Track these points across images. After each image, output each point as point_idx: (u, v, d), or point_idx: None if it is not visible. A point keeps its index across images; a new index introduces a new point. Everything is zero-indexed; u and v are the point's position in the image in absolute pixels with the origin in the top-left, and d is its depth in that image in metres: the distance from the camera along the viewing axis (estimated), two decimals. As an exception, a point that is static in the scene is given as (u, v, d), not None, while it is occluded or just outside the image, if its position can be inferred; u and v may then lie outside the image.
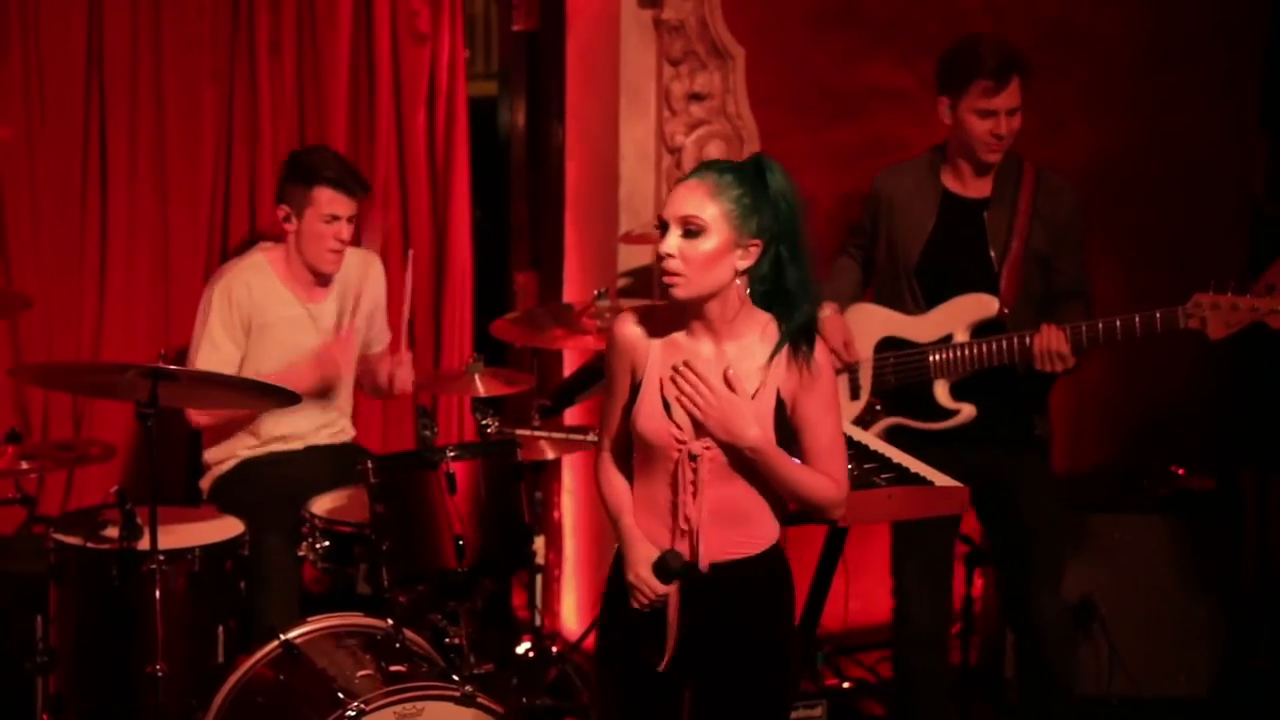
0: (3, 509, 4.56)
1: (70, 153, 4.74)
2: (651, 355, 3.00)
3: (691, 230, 2.89)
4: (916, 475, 3.32)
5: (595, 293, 4.62)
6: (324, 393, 4.51)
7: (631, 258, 5.06)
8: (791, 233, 2.92)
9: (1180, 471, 5.20)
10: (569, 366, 5.23)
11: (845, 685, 5.05)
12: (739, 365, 2.96)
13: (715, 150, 4.99)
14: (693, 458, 2.94)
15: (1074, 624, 4.68)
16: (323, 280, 4.50)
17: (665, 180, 5.00)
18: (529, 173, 5.60)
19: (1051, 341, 3.91)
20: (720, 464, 2.96)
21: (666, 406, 2.97)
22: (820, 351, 2.98)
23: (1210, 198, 5.63)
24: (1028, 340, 3.96)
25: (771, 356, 2.96)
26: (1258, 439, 5.48)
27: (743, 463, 2.96)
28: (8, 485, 4.43)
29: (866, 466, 3.33)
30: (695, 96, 4.98)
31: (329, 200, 4.37)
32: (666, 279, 2.92)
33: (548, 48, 5.39)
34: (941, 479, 3.32)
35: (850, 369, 4.21)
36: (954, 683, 4.54)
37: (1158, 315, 3.86)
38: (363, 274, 4.60)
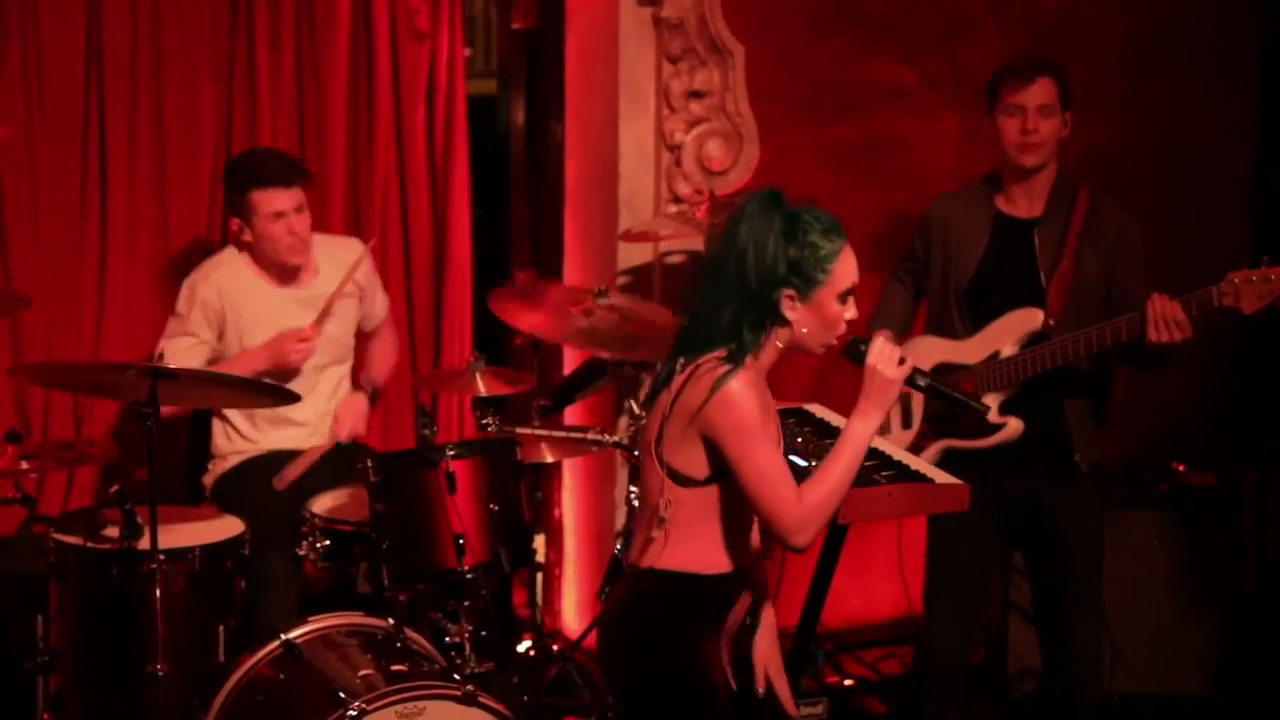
0: (3, 509, 4.56)
1: (70, 151, 4.74)
2: (770, 412, 3.07)
3: None
4: (916, 473, 3.31)
5: (595, 290, 4.62)
6: (281, 381, 4.46)
7: (631, 255, 5.06)
8: None
9: (1181, 468, 5.20)
10: (569, 365, 5.23)
11: (847, 683, 5.06)
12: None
13: (715, 147, 4.99)
14: None
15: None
16: (305, 270, 4.49)
17: (664, 178, 5.00)
18: (528, 171, 5.60)
19: (1165, 308, 3.82)
20: None
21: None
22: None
23: (1211, 194, 5.62)
24: (1134, 317, 3.85)
25: None
26: (1258, 435, 5.48)
27: None
28: (8, 485, 4.44)
29: (866, 464, 3.32)
30: (695, 94, 4.98)
31: (267, 200, 4.34)
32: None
33: (547, 45, 5.39)
34: (942, 476, 3.30)
35: (902, 399, 4.20)
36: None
37: (1191, 298, 3.83)
38: (346, 259, 4.58)
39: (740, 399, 2.96)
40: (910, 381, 3.09)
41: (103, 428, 4.76)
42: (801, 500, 2.97)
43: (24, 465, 4.20)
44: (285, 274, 4.46)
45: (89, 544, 3.93)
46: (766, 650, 3.23)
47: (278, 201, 4.34)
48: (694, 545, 3.07)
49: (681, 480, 3.05)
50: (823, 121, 5.18)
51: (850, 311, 3.04)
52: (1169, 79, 5.53)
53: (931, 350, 4.18)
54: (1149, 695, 4.93)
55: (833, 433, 3.52)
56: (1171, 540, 4.97)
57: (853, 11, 5.18)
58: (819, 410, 3.70)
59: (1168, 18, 5.51)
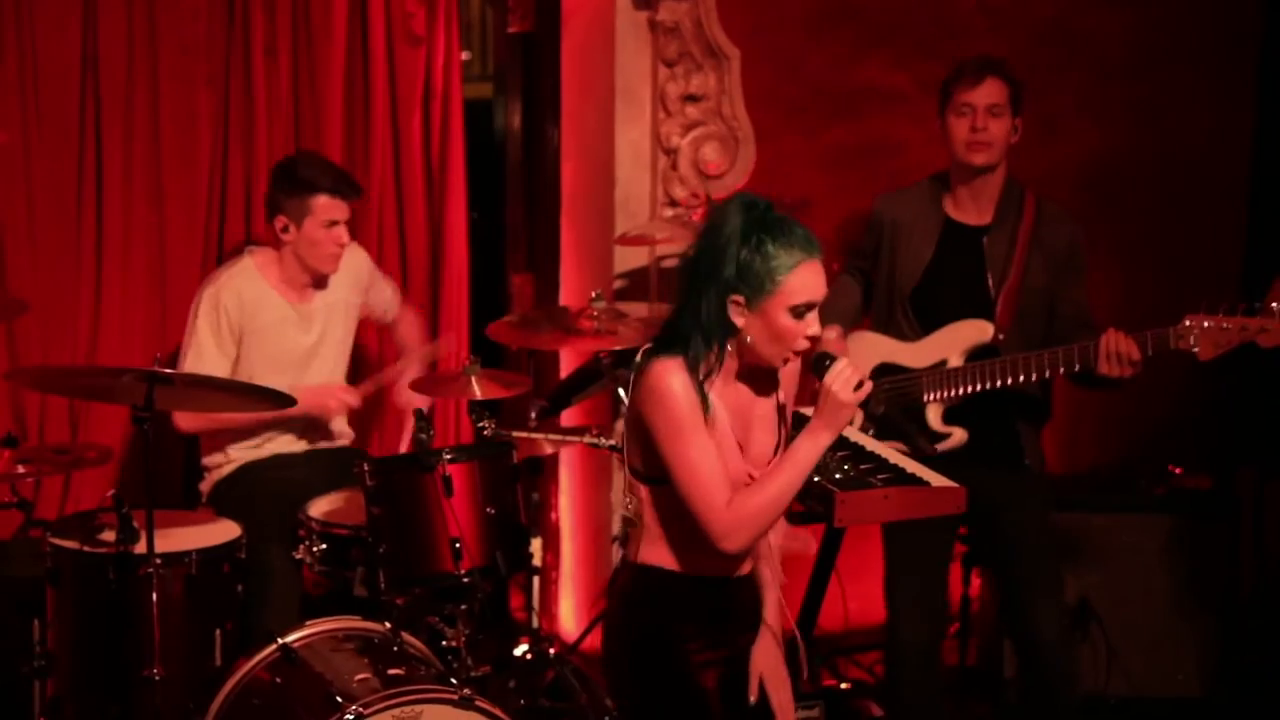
0: (0, 513, 4.56)
1: (66, 157, 4.74)
2: (712, 401, 2.99)
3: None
4: (913, 476, 3.31)
5: (591, 295, 4.62)
6: (311, 421, 4.54)
7: (627, 259, 5.06)
8: None
9: (1177, 471, 5.20)
10: (565, 368, 5.23)
11: (843, 686, 5.06)
12: (760, 391, 3.10)
13: (711, 151, 4.99)
14: None
15: (1071, 624, 4.69)
16: (318, 282, 4.51)
17: (660, 181, 5.01)
18: (525, 175, 5.60)
19: (1120, 344, 3.85)
20: None
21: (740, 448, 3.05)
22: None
23: (1206, 198, 5.63)
24: (1085, 349, 3.89)
25: None
26: (1254, 438, 5.49)
27: None
28: (4, 489, 4.42)
29: (863, 467, 3.33)
30: (690, 98, 4.98)
31: (328, 207, 4.39)
32: (803, 354, 3.01)
33: (543, 49, 5.39)
34: (938, 479, 3.31)
35: None
36: (948, 685, 4.54)
37: (1149, 336, 3.86)
38: (352, 265, 4.62)
39: (667, 393, 2.93)
40: (865, 406, 3.01)
41: (99, 432, 4.75)
42: (731, 506, 2.94)
43: (20, 469, 4.19)
44: (304, 285, 4.49)
45: (85, 548, 3.93)
46: (764, 658, 3.20)
47: (337, 210, 4.42)
48: (665, 542, 3.06)
49: (639, 476, 3.05)
50: (818, 125, 5.19)
51: (812, 329, 2.96)
52: (1164, 83, 5.54)
53: (876, 348, 4.19)
54: (1145, 698, 4.94)
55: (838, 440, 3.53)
56: (1167, 543, 4.97)
57: (848, 15, 5.19)
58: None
59: (1164, 21, 5.52)
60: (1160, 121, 5.55)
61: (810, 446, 2.98)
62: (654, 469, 3.01)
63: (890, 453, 3.47)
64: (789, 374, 3.14)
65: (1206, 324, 3.80)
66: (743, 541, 2.99)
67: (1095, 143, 5.43)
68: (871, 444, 3.52)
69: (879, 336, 4.21)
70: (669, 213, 5.00)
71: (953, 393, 4.06)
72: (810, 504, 3.24)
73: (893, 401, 4.13)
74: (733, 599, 3.14)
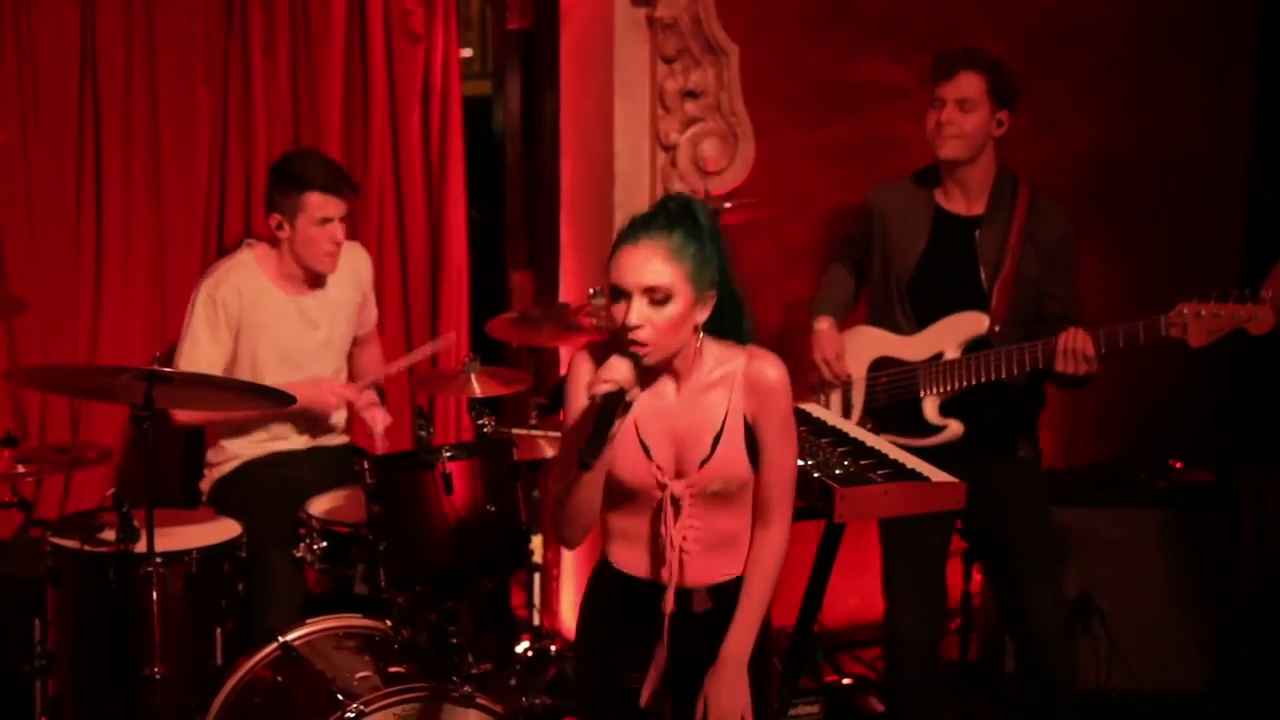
0: (0, 513, 4.56)
1: (65, 156, 4.74)
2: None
3: (658, 299, 2.88)
4: (912, 471, 3.31)
5: (590, 291, 4.62)
6: (309, 416, 4.53)
7: (627, 256, 5.05)
8: (728, 272, 2.96)
9: (1178, 465, 5.20)
10: (565, 365, 5.23)
11: (844, 682, 5.06)
12: (705, 400, 2.98)
13: (710, 148, 4.99)
14: (675, 501, 2.98)
15: (1072, 619, 4.69)
16: (315, 280, 4.50)
17: (660, 178, 5.00)
18: (524, 172, 5.60)
19: (1077, 341, 3.88)
20: (704, 496, 3.00)
21: (645, 449, 2.98)
22: (776, 369, 2.99)
23: (1206, 191, 5.63)
24: (1051, 342, 3.92)
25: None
26: (1255, 433, 5.49)
27: (726, 492, 3.00)
28: (5, 489, 4.43)
29: (862, 463, 3.33)
30: (689, 94, 4.98)
31: (320, 204, 4.38)
32: (636, 348, 2.88)
33: (542, 46, 5.39)
34: (938, 474, 3.31)
35: (843, 388, 4.22)
36: (950, 680, 4.54)
37: (1140, 325, 3.87)
38: (355, 266, 4.62)
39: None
40: (592, 401, 2.87)
41: (100, 432, 4.75)
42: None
43: (21, 469, 4.19)
44: (303, 281, 4.49)
45: (86, 547, 3.93)
46: (711, 688, 3.02)
47: (331, 208, 4.39)
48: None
49: None
50: (817, 121, 5.19)
51: (627, 315, 2.87)
52: (1163, 77, 5.54)
53: (876, 342, 4.20)
54: (1147, 692, 4.94)
55: (829, 431, 3.53)
56: (1169, 537, 4.97)
57: (847, 11, 5.18)
58: (815, 409, 3.71)
59: (1162, 16, 5.52)
60: (1159, 116, 5.55)
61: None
62: None
63: (890, 448, 3.47)
64: (764, 389, 2.99)
65: (1199, 311, 3.80)
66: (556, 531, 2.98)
67: (1093, 137, 5.43)
68: (871, 439, 3.52)
69: (877, 330, 4.21)
70: (668, 209, 4.99)
71: (947, 386, 4.07)
72: (810, 499, 3.24)
73: (891, 394, 4.14)
74: (649, 608, 3.03)
